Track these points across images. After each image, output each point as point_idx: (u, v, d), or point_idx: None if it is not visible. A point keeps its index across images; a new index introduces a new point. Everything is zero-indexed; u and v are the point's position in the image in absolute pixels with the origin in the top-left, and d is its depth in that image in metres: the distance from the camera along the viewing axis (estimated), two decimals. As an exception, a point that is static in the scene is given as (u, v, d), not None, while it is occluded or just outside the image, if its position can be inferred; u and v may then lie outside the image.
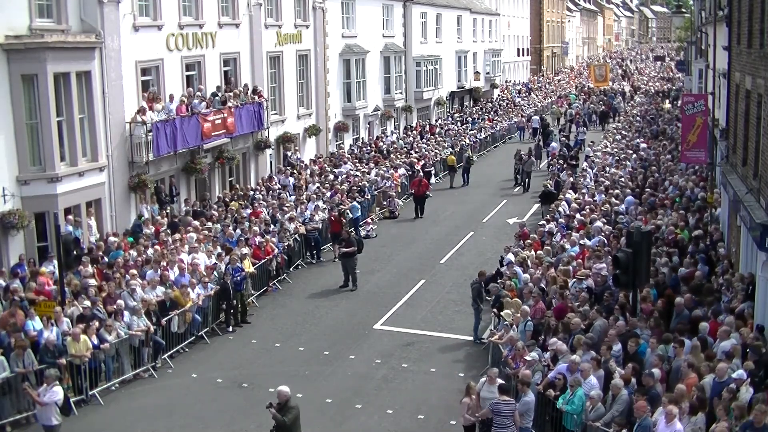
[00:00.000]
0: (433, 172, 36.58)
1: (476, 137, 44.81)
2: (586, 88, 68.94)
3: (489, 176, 39.12)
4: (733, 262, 18.90)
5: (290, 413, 11.97)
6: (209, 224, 23.54)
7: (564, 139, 43.29)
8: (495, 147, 47.88)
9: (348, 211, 27.57)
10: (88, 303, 17.01)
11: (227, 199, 26.92)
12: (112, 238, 21.30)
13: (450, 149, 40.35)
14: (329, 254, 25.93)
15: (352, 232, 24.42)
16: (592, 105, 58.83)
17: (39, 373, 15.08)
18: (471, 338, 19.08)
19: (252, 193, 28.09)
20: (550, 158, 38.59)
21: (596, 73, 59.50)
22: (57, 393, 13.82)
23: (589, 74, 64.15)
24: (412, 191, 32.09)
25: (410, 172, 34.65)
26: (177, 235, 21.83)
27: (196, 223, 23.15)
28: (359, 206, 28.32)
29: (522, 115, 54.91)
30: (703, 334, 14.46)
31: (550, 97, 65.57)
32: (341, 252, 23.41)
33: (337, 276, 23.87)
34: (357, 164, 34.13)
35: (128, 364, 16.98)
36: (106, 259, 19.80)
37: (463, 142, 41.84)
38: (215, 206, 26.03)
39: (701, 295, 16.62)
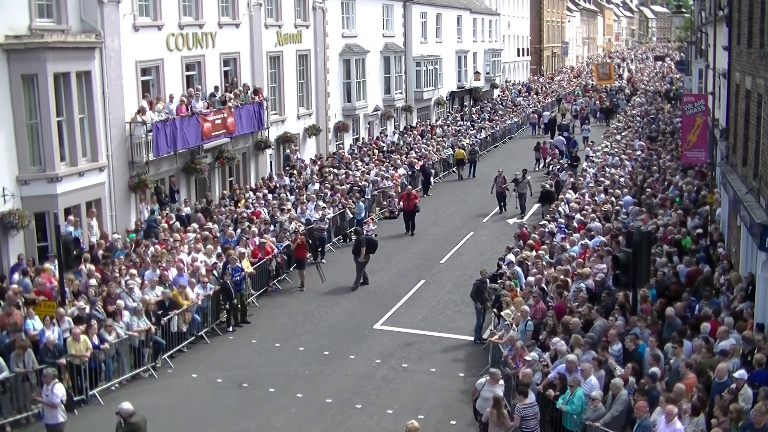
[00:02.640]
0: (433, 173, 36.53)
1: (476, 137, 44.82)
2: (589, 86, 69.99)
3: (489, 176, 39.00)
4: (733, 262, 18.90)
5: (129, 428, 12.39)
6: (209, 224, 23.57)
7: (565, 133, 43.75)
8: (495, 147, 47.93)
9: (349, 210, 27.71)
10: (86, 304, 17.01)
11: (235, 197, 26.98)
12: (116, 236, 21.40)
13: (450, 149, 40.46)
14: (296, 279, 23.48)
15: (362, 233, 24.23)
16: (597, 102, 59.87)
17: (39, 373, 15.10)
18: (471, 338, 19.08)
19: (252, 193, 28.09)
20: (550, 158, 38.60)
21: (600, 72, 60.03)
22: (60, 390, 13.91)
23: (594, 72, 64.72)
24: (401, 205, 29.60)
25: (410, 173, 34.72)
26: (177, 235, 21.87)
27: (194, 225, 23.16)
28: (363, 206, 28.38)
29: (534, 111, 56.49)
30: (705, 334, 14.46)
31: (551, 97, 65.75)
32: (353, 251, 23.48)
33: (337, 276, 23.91)
34: (357, 164, 34.14)
35: (128, 364, 16.98)
36: (113, 256, 19.84)
37: (463, 142, 42.00)
38: (221, 203, 26.10)
39: (702, 287, 16.68)
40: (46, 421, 14.02)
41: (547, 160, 39.45)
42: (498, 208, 31.84)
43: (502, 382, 14.00)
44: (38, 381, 15.14)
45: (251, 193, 28.04)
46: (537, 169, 39.58)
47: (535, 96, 65.82)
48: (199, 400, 16.15)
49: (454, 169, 40.25)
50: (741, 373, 12.37)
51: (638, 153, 35.29)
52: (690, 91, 38.74)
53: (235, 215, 24.64)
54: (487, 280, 19.48)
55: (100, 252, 20.11)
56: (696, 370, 13.16)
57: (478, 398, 13.91)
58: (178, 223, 23.30)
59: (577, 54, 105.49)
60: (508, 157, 44.55)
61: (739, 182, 18.05)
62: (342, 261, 25.69)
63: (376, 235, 28.23)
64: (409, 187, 31.07)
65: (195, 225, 23.22)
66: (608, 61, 74.57)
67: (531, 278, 19.02)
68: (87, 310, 16.76)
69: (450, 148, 40.59)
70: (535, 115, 55.08)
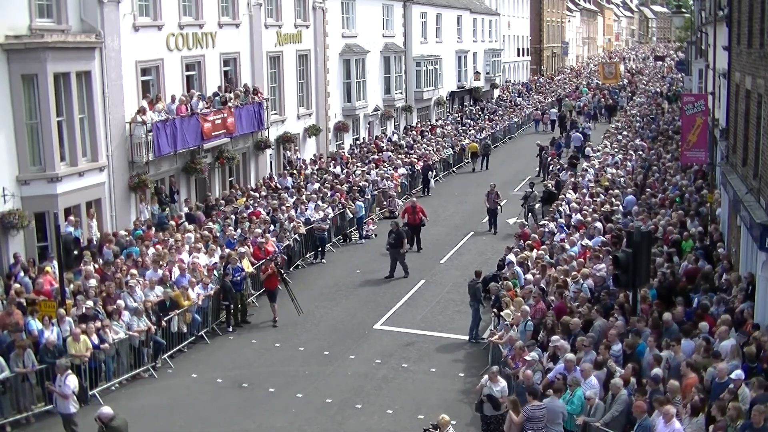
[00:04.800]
0: (433, 174, 36.41)
1: (476, 137, 44.86)
2: (593, 84, 71.14)
3: (489, 176, 39.10)
4: (733, 262, 18.90)
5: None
6: (210, 224, 23.59)
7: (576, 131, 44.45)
8: (495, 147, 47.93)
9: (349, 210, 27.72)
10: (90, 303, 17.04)
11: (234, 197, 27.03)
12: (123, 232, 21.62)
13: (450, 149, 40.49)
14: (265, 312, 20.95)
15: (401, 225, 24.49)
16: (602, 99, 61.02)
17: (39, 373, 15.13)
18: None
19: (253, 192, 28.11)
20: (549, 158, 38.58)
21: (606, 71, 60.60)
22: (72, 381, 14.07)
23: (599, 71, 65.40)
24: (406, 221, 26.20)
25: (411, 173, 34.73)
26: (178, 235, 21.90)
27: (191, 226, 23.19)
28: (363, 206, 28.38)
29: (537, 108, 57.71)
30: (705, 333, 14.48)
31: (551, 97, 65.91)
32: (389, 244, 23.86)
33: (337, 276, 23.95)
34: (358, 164, 34.14)
35: (128, 364, 16.99)
36: (122, 256, 20.05)
37: (463, 142, 42.07)
38: (222, 202, 26.25)
39: (701, 284, 16.80)
40: (59, 410, 14.26)
41: (547, 160, 39.41)
42: (488, 225, 29.19)
43: (503, 382, 13.99)
44: (39, 381, 15.22)
45: (255, 193, 28.01)
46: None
47: (535, 96, 66.02)
48: (199, 400, 16.16)
49: (454, 169, 40.31)
50: (738, 374, 12.38)
51: (638, 153, 35.29)
52: (690, 91, 38.74)
53: (235, 215, 24.67)
54: (480, 283, 19.41)
55: (111, 247, 20.27)
56: (694, 369, 13.18)
57: (484, 399, 13.88)
58: (186, 223, 23.48)
59: (577, 54, 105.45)
60: (509, 156, 44.58)
61: (739, 182, 18.05)
62: (342, 261, 25.72)
63: (376, 235, 28.42)
64: (413, 199, 28.49)
65: (187, 225, 23.24)
66: (616, 61, 75.33)
67: (529, 276, 18.99)
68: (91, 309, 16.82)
69: (450, 148, 40.62)
70: (539, 112, 56.16)
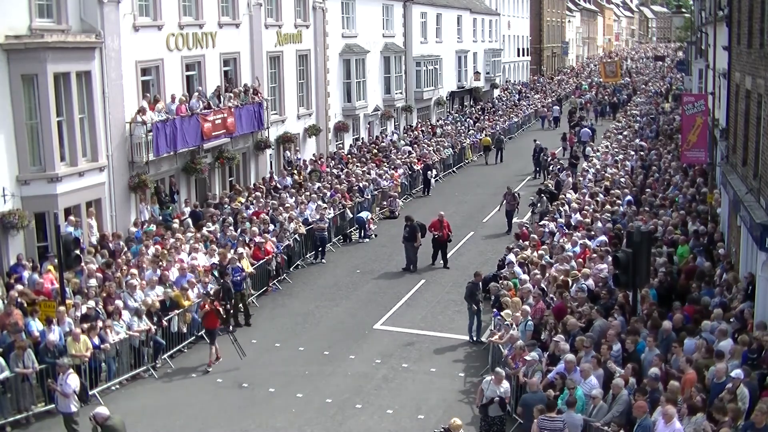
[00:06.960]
0: (433, 174, 36.37)
1: (476, 137, 44.85)
2: (594, 83, 72.13)
3: (489, 176, 39.17)
4: (733, 262, 18.90)
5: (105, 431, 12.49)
6: (210, 225, 23.58)
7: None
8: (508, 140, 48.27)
9: (349, 210, 27.70)
10: (91, 303, 17.05)
11: (231, 196, 27.08)
12: (132, 228, 21.78)
13: (450, 149, 40.51)
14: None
15: (414, 219, 24.87)
16: (606, 97, 61.99)
17: (39, 373, 15.14)
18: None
19: (259, 193, 28.08)
20: (550, 158, 38.59)
21: (607, 69, 60.74)
22: (74, 380, 14.08)
23: (601, 70, 65.60)
24: (435, 234, 24.95)
25: (410, 173, 34.71)
26: (178, 234, 21.91)
27: (191, 228, 23.20)
28: (367, 208, 28.38)
29: (544, 105, 59.22)
30: (706, 331, 14.48)
31: (551, 97, 65.98)
32: (404, 237, 24.57)
33: (337, 276, 23.94)
34: (357, 164, 34.12)
35: (128, 364, 16.99)
36: (129, 254, 20.29)
37: (465, 142, 42.07)
38: (229, 202, 26.35)
39: (699, 281, 16.90)
40: (60, 409, 14.29)
41: (548, 160, 39.42)
42: (507, 227, 28.65)
43: (506, 383, 13.99)
44: (39, 381, 15.22)
45: (257, 192, 27.99)
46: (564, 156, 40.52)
47: (535, 96, 66.10)
48: (199, 400, 16.16)
49: (454, 169, 40.33)
50: (737, 373, 12.39)
51: (639, 153, 35.28)
52: (690, 91, 38.74)
53: (234, 215, 24.65)
54: (480, 283, 19.38)
55: (119, 243, 20.48)
56: (695, 368, 13.19)
57: (488, 400, 13.85)
58: (190, 220, 23.60)
59: (577, 54, 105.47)
60: (510, 156, 44.52)
61: (739, 182, 18.06)
62: (342, 261, 25.72)
63: (376, 235, 28.41)
64: (441, 213, 25.99)
65: (184, 224, 23.30)
66: (617, 59, 75.59)
67: (525, 276, 18.97)
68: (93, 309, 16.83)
69: (450, 148, 40.62)
70: (545, 109, 57.49)
